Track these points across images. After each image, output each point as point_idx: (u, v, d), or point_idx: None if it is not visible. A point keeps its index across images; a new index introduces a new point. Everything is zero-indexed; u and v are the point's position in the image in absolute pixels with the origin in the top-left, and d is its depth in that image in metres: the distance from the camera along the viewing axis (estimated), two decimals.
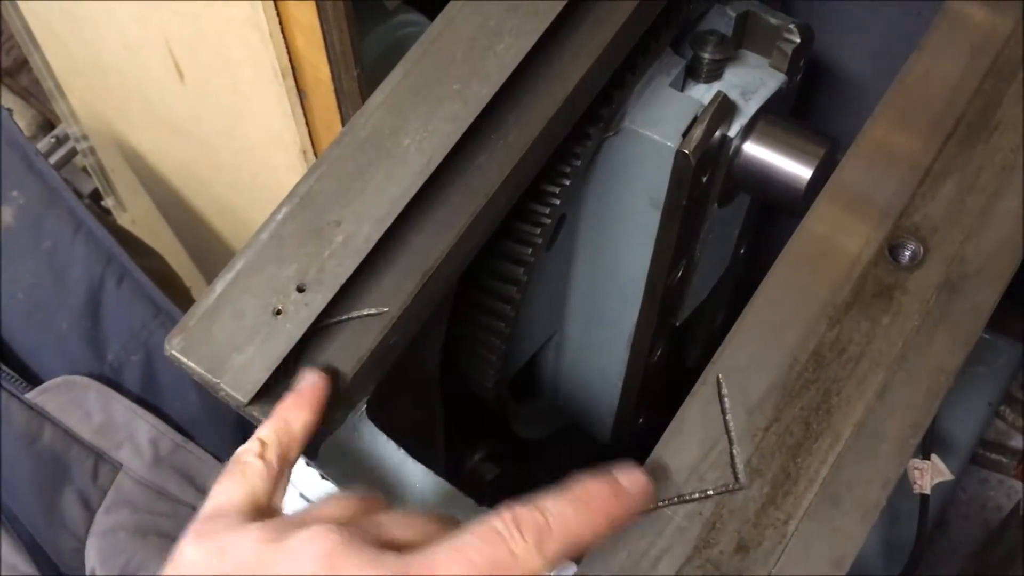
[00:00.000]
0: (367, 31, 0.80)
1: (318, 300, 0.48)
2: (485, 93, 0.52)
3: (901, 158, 0.52)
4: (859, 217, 0.50)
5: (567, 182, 0.63)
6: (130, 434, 0.80)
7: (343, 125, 0.74)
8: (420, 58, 0.54)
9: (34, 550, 0.78)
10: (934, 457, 0.93)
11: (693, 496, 0.44)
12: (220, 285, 0.49)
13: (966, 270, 0.47)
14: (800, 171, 0.69)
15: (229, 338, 0.48)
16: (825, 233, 0.51)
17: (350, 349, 0.50)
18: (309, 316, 0.48)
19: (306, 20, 0.65)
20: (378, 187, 0.51)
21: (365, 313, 0.50)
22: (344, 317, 0.50)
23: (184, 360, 0.47)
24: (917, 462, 0.93)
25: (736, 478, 0.45)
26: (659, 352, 0.83)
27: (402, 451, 0.51)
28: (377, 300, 0.50)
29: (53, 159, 1.63)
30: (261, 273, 0.49)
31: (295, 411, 0.46)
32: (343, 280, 0.49)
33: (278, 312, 0.48)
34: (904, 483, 0.89)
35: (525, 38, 0.54)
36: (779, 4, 0.78)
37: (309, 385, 0.47)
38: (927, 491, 0.94)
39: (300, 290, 0.49)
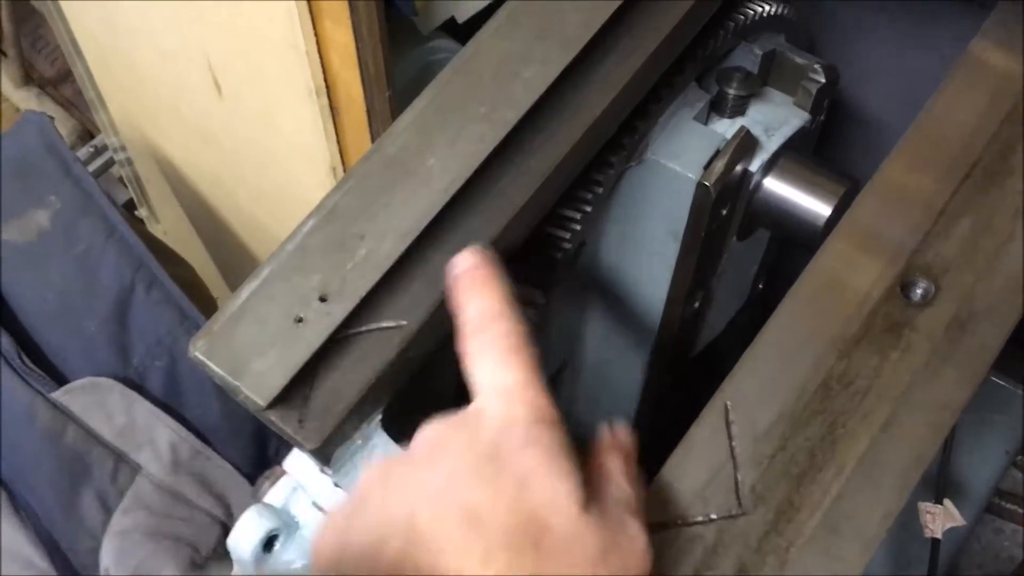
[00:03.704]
0: (400, 54, 0.82)
1: (339, 310, 0.50)
2: (511, 117, 0.54)
3: (916, 198, 0.53)
4: (872, 254, 0.51)
5: (588, 209, 0.64)
6: (151, 438, 0.82)
7: (372, 143, 0.75)
8: (449, 81, 0.56)
9: (50, 546, 0.80)
10: (947, 502, 0.93)
11: (696, 519, 0.45)
12: (245, 292, 0.50)
13: (976, 309, 0.48)
14: (819, 208, 0.70)
15: (251, 343, 0.49)
16: (838, 268, 0.52)
17: (368, 359, 0.51)
18: (330, 326, 0.49)
19: (342, 41, 0.68)
20: (402, 204, 0.52)
21: (384, 326, 0.51)
22: (364, 328, 0.51)
23: (207, 362, 0.49)
24: (929, 506, 0.92)
25: (740, 503, 0.45)
26: (672, 383, 0.84)
27: None
28: (396, 313, 0.52)
29: (91, 168, 1.66)
30: (285, 282, 0.50)
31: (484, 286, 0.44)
32: (364, 292, 0.50)
33: (300, 320, 0.50)
34: (915, 527, 0.89)
35: (553, 65, 0.55)
36: (806, 43, 0.79)
37: (474, 262, 0.45)
38: (938, 535, 0.94)
39: (322, 300, 0.50)
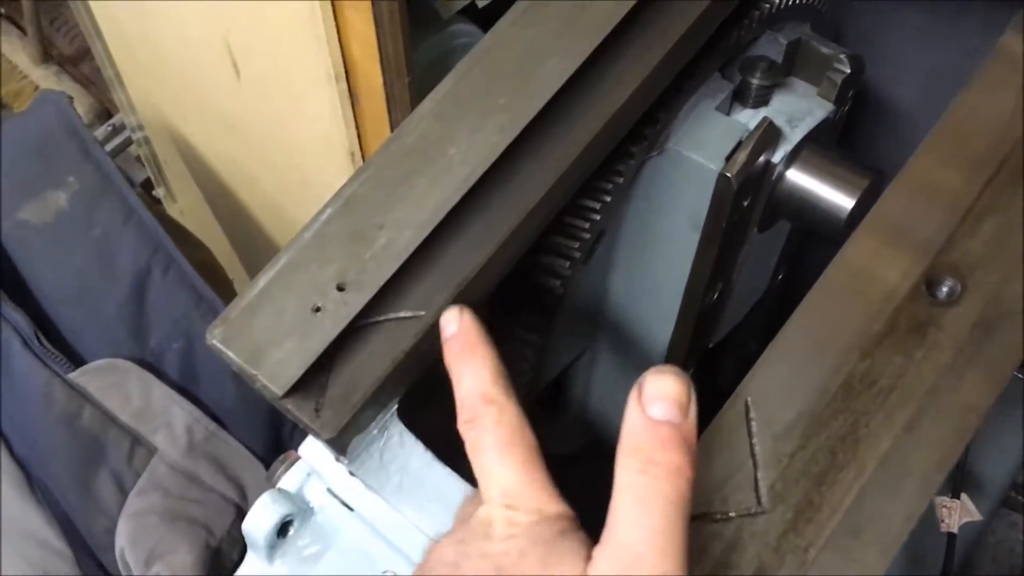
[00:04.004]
0: (421, 40, 0.82)
1: (357, 300, 0.49)
2: (532, 107, 0.53)
3: (943, 194, 0.52)
4: (898, 250, 0.50)
5: (608, 199, 0.64)
6: (167, 420, 0.82)
7: (392, 130, 0.75)
8: (470, 70, 0.55)
9: (67, 527, 0.80)
10: (964, 496, 0.92)
11: (716, 517, 0.45)
12: (263, 280, 0.50)
13: (1002, 310, 0.47)
14: (842, 201, 0.70)
15: (268, 332, 0.49)
16: (863, 264, 0.51)
17: (385, 349, 0.50)
18: (347, 315, 0.49)
19: (362, 27, 0.67)
20: (421, 194, 0.52)
21: (402, 316, 0.51)
22: (381, 318, 0.51)
23: (224, 350, 0.49)
24: (946, 500, 0.92)
25: (759, 502, 0.45)
26: (691, 373, 0.83)
27: (430, 453, 0.52)
28: (414, 304, 0.51)
29: (109, 147, 1.67)
30: (303, 271, 0.50)
31: (472, 356, 0.46)
32: (382, 282, 0.50)
33: (317, 309, 0.49)
34: (930, 520, 0.88)
35: (574, 56, 0.55)
36: (832, 33, 0.78)
37: (463, 328, 0.47)
38: (955, 530, 0.93)
39: (340, 289, 0.50)
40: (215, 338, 0.49)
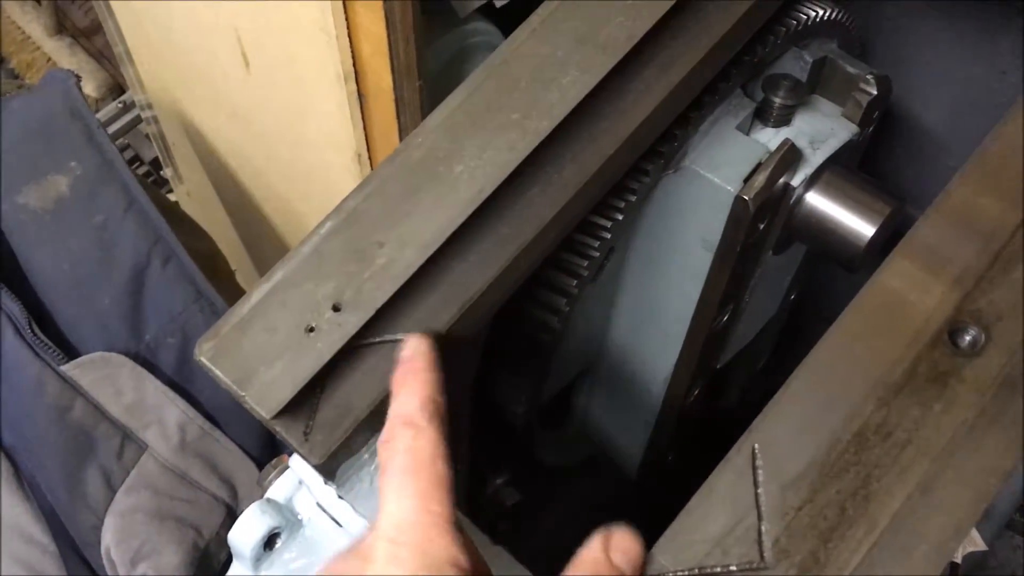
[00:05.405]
0: (436, 37, 0.79)
1: (352, 322, 0.48)
2: (545, 126, 0.51)
3: (975, 232, 0.50)
4: (921, 295, 0.48)
5: (620, 216, 0.61)
6: (159, 416, 0.80)
7: (400, 133, 0.73)
8: (483, 82, 0.53)
9: (53, 521, 0.79)
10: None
11: (715, 570, 0.43)
12: (256, 295, 0.48)
13: None
14: (862, 228, 0.67)
15: (259, 351, 0.47)
16: (887, 302, 0.49)
17: (380, 372, 0.48)
18: (342, 338, 0.47)
19: (373, 28, 0.65)
20: (426, 212, 0.50)
21: (399, 337, 0.49)
22: (377, 340, 0.49)
23: (212, 369, 0.47)
24: None
25: (762, 556, 0.43)
26: (696, 393, 0.81)
27: None
28: (413, 326, 0.49)
29: (119, 123, 1.65)
30: (298, 288, 0.48)
31: (411, 379, 0.45)
32: (380, 304, 0.48)
33: (311, 330, 0.47)
34: None
35: (592, 73, 0.52)
36: (858, 51, 0.76)
37: (412, 353, 0.46)
38: (958, 560, 0.91)
39: (336, 309, 0.48)
40: (204, 355, 0.47)
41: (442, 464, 0.41)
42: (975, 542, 0.98)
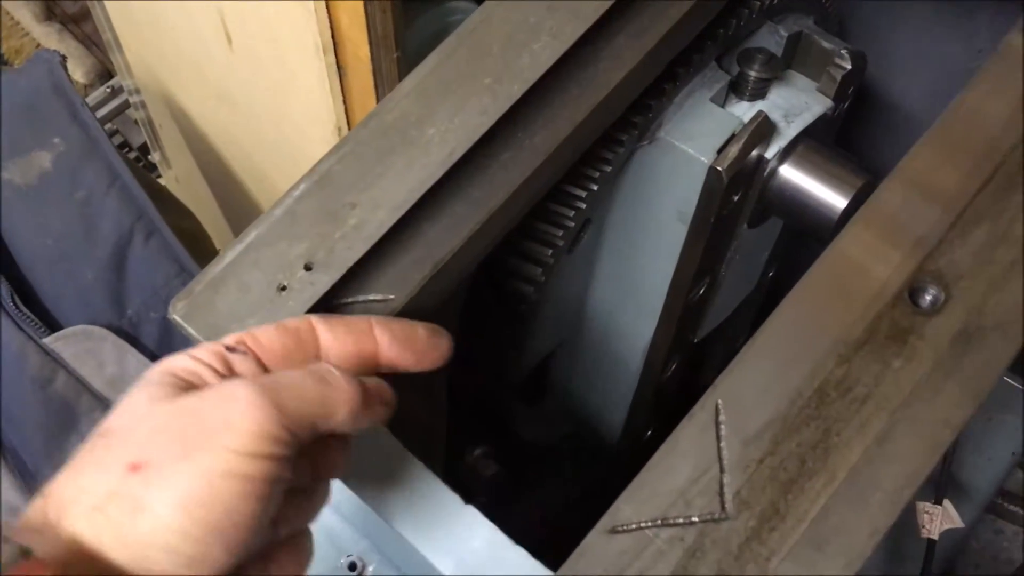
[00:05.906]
0: (416, 15, 0.80)
1: (324, 281, 0.48)
2: (516, 90, 0.52)
3: (935, 198, 0.50)
4: (882, 256, 0.49)
5: (595, 187, 0.62)
6: None
7: None
8: (455, 49, 0.54)
9: (36, 493, 0.79)
10: (946, 503, 0.91)
11: (677, 520, 0.44)
12: (230, 255, 0.49)
13: (985, 323, 0.46)
14: (835, 200, 0.68)
15: (231, 309, 0.48)
16: (845, 269, 0.49)
17: None
18: (313, 296, 0.48)
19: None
20: (398, 174, 0.50)
21: (371, 298, 0.50)
22: (349, 300, 0.50)
23: (185, 326, 0.48)
24: (928, 506, 0.91)
25: (723, 507, 0.44)
26: (674, 367, 0.82)
27: (397, 441, 0.51)
28: (384, 287, 0.50)
29: (107, 108, 1.65)
30: (271, 248, 0.49)
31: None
32: (351, 263, 0.49)
33: (283, 288, 0.48)
34: (913, 522, 0.87)
35: (563, 39, 0.53)
36: (835, 28, 0.76)
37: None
38: (935, 536, 0.92)
39: (307, 268, 0.49)
40: (177, 312, 0.48)
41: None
42: (952, 519, 0.98)
